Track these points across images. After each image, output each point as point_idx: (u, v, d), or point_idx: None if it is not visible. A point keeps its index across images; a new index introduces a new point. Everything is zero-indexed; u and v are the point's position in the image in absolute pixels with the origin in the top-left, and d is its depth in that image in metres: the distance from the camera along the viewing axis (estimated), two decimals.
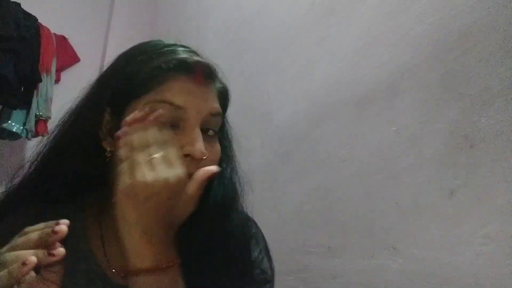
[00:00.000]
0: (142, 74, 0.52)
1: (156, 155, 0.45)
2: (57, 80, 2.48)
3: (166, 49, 0.56)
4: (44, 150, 0.59)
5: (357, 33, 1.05)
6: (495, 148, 0.68)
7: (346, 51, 1.08)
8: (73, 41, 2.59)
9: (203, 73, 0.54)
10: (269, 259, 0.62)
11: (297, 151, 1.21)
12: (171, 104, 0.50)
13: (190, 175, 0.47)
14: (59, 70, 2.49)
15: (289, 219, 1.17)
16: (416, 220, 0.80)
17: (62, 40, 2.51)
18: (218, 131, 0.56)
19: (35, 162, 0.59)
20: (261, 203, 1.28)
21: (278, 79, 1.36)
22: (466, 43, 0.76)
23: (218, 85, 0.58)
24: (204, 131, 0.52)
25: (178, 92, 0.51)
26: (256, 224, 0.66)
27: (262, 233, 0.66)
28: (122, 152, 0.46)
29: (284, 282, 1.07)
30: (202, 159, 0.49)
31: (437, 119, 0.79)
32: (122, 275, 0.54)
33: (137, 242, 0.43)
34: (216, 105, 0.55)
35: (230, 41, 1.73)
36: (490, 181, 0.68)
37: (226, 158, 0.61)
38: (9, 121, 2.15)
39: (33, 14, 2.25)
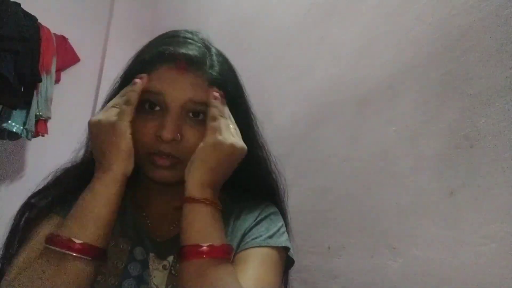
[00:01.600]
0: (136, 66, 0.61)
1: (232, 127, 0.58)
2: (57, 80, 2.48)
3: (164, 40, 0.63)
4: (86, 144, 0.68)
5: (357, 33, 1.05)
6: (495, 148, 0.68)
7: (346, 51, 1.08)
8: (73, 41, 2.59)
9: (184, 64, 0.58)
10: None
11: (297, 151, 1.21)
12: (151, 91, 0.57)
13: (166, 154, 0.56)
14: (59, 70, 2.49)
15: (289, 219, 1.17)
16: (416, 220, 0.80)
17: (62, 40, 2.51)
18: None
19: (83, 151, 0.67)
20: None
21: (278, 79, 1.36)
22: (466, 43, 0.76)
23: (209, 73, 0.61)
24: (195, 115, 0.59)
25: (156, 80, 0.58)
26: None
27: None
28: (215, 112, 0.57)
29: None
30: (169, 141, 0.55)
31: (437, 119, 0.79)
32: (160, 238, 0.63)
33: (203, 175, 0.55)
34: (198, 93, 0.58)
35: (230, 41, 1.73)
36: (490, 181, 0.68)
37: (248, 130, 0.68)
38: (9, 121, 2.15)
39: (33, 14, 2.25)
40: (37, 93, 2.23)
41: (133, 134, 0.57)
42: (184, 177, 0.57)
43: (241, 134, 0.61)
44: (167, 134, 0.55)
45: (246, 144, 0.59)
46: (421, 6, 0.87)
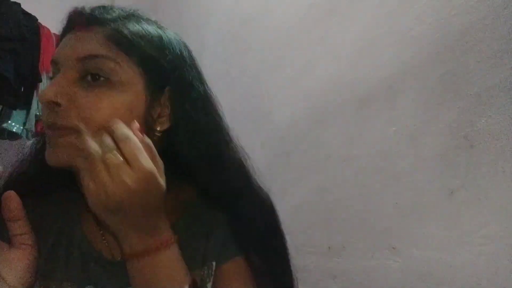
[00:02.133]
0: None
1: (110, 156, 0.41)
2: None
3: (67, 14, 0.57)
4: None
5: (357, 33, 1.05)
6: (495, 148, 0.68)
7: (346, 51, 1.08)
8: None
9: (83, 21, 0.50)
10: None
11: (297, 151, 1.21)
12: (52, 61, 0.50)
13: (53, 125, 0.45)
14: None
15: (289, 219, 1.17)
16: (416, 220, 0.80)
17: None
18: (116, 77, 0.48)
19: (33, 154, 0.56)
20: None
21: (278, 79, 1.36)
22: (466, 43, 0.76)
23: (110, 27, 0.50)
24: (94, 79, 0.47)
25: (57, 48, 0.51)
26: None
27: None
28: (79, 163, 0.42)
29: None
30: (54, 104, 0.45)
31: (437, 119, 0.79)
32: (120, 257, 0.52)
33: (123, 232, 0.43)
34: (89, 47, 0.48)
35: (230, 41, 1.73)
36: (490, 181, 0.68)
37: (182, 119, 0.53)
38: (9, 121, 2.15)
39: (33, 14, 2.25)
40: (37, 93, 2.23)
41: None
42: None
43: (178, 122, 0.50)
44: (42, 95, 0.44)
45: (184, 135, 0.50)
46: (421, 6, 0.87)
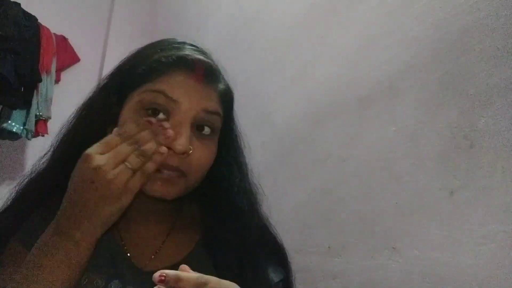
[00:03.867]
0: (143, 65, 0.55)
1: None
2: (57, 80, 2.48)
3: (173, 45, 0.58)
4: (54, 148, 0.61)
5: (357, 33, 1.05)
6: (495, 148, 0.68)
7: (346, 51, 1.08)
8: (73, 41, 2.59)
9: (203, 71, 0.54)
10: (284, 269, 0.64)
11: (297, 151, 1.21)
12: (165, 95, 0.51)
13: (173, 168, 0.51)
14: (59, 70, 2.49)
15: (289, 219, 1.17)
16: (416, 220, 0.80)
17: (62, 40, 2.52)
18: (217, 133, 0.57)
19: (45, 161, 0.61)
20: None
21: (278, 79, 1.37)
22: (466, 43, 0.76)
23: (220, 86, 0.57)
24: (199, 129, 0.54)
25: (173, 85, 0.52)
26: (272, 235, 0.68)
27: (279, 244, 0.68)
28: None
29: None
30: (182, 153, 0.50)
31: (437, 119, 0.79)
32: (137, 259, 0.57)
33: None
34: (212, 103, 0.54)
35: (230, 41, 1.73)
36: (490, 181, 0.68)
37: (234, 163, 0.63)
38: (9, 121, 2.15)
39: (33, 14, 2.25)
40: (37, 93, 2.23)
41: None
42: (180, 194, 0.53)
43: (229, 161, 0.61)
44: (181, 145, 0.49)
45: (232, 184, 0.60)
46: (421, 6, 0.87)
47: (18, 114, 2.19)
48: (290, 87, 1.30)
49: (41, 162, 0.62)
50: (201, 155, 0.53)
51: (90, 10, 2.74)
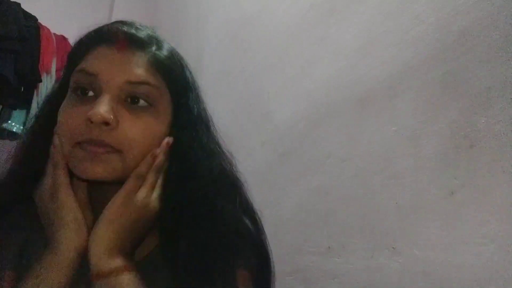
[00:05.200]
0: (72, 50, 0.56)
1: (156, 182, 0.51)
2: (57, 80, 2.48)
3: (102, 26, 0.56)
4: (20, 146, 0.59)
5: (357, 33, 1.05)
6: (495, 148, 0.68)
7: (346, 51, 1.08)
8: (73, 41, 2.58)
9: (124, 41, 0.52)
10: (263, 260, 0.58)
11: (297, 151, 1.21)
12: (86, 72, 0.50)
13: (99, 142, 0.48)
14: (59, 70, 2.49)
15: (289, 219, 1.17)
16: (416, 220, 0.80)
17: (62, 40, 2.51)
18: (159, 106, 0.52)
19: (12, 161, 0.59)
20: (261, 203, 1.28)
21: (278, 79, 1.36)
22: (466, 43, 0.76)
23: (151, 53, 0.53)
24: (133, 102, 0.50)
25: (92, 59, 0.51)
26: (250, 225, 0.59)
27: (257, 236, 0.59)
28: (141, 169, 0.51)
29: (284, 282, 1.07)
30: (105, 124, 0.47)
31: (437, 119, 0.79)
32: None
33: (110, 240, 0.47)
34: (138, 72, 0.50)
35: (230, 41, 1.73)
36: (490, 181, 0.68)
37: (197, 147, 0.56)
38: (9, 121, 2.15)
39: (33, 14, 2.25)
40: (37, 93, 2.23)
41: (61, 125, 0.50)
42: (118, 173, 0.49)
43: (183, 144, 0.53)
44: (96, 114, 0.46)
45: (188, 156, 0.52)
46: (421, 6, 0.87)
47: (18, 114, 2.19)
48: (290, 87, 1.29)
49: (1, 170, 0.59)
50: (132, 126, 0.49)
51: (90, 10, 2.74)
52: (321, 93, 1.15)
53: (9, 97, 2.06)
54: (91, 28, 0.56)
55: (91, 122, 0.47)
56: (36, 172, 0.54)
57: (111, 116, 0.47)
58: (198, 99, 0.60)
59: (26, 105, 2.20)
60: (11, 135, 2.19)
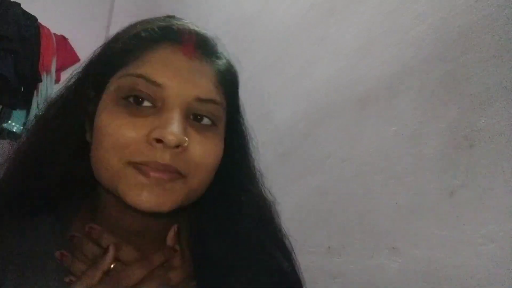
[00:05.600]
0: (119, 44, 0.44)
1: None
2: (57, 80, 2.48)
3: (157, 20, 0.46)
4: (21, 150, 0.49)
5: (357, 33, 1.05)
6: (495, 148, 0.68)
7: (346, 51, 1.08)
8: (73, 41, 2.59)
9: (194, 43, 0.43)
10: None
11: (297, 151, 1.21)
12: (147, 79, 0.40)
13: (166, 167, 0.39)
14: (59, 70, 2.49)
15: (289, 219, 1.17)
16: (416, 220, 0.80)
17: (62, 40, 2.52)
18: (221, 125, 0.45)
19: (10, 167, 0.48)
20: None
21: (278, 79, 1.36)
22: (466, 43, 0.76)
23: (219, 62, 0.46)
24: (196, 119, 0.43)
25: (157, 65, 0.41)
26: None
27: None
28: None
29: None
30: (176, 147, 0.38)
31: (437, 119, 0.79)
32: None
33: None
34: (208, 87, 0.43)
35: (230, 41, 1.72)
36: (490, 181, 0.68)
37: (241, 166, 0.52)
38: (9, 121, 2.15)
39: (33, 14, 2.25)
40: (37, 93, 2.23)
41: (108, 136, 0.40)
42: (180, 203, 0.40)
43: (234, 163, 0.48)
44: (171, 135, 0.37)
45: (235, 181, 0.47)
46: (421, 6, 0.87)
47: (18, 114, 2.19)
48: (290, 87, 1.29)
49: None
50: (202, 148, 0.41)
51: (90, 10, 2.74)
52: (321, 93, 1.15)
53: (9, 97, 2.06)
54: (142, 20, 0.47)
55: (158, 141, 0.38)
56: (39, 183, 0.45)
57: (186, 139, 0.39)
58: (244, 118, 0.54)
59: (26, 105, 2.20)
60: (11, 135, 2.19)
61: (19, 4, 2.16)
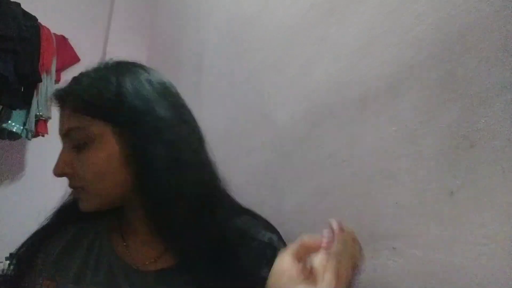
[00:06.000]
0: None
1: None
2: (57, 80, 2.49)
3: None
4: None
5: (357, 33, 1.05)
6: (495, 148, 0.68)
7: (346, 51, 1.08)
8: (73, 41, 2.59)
9: (58, 101, 0.64)
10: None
11: (297, 151, 1.21)
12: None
13: (73, 187, 0.66)
14: (59, 70, 2.49)
15: (289, 219, 1.17)
16: (416, 220, 0.80)
17: (62, 40, 2.52)
18: (94, 141, 0.61)
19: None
20: (261, 203, 1.28)
21: (278, 79, 1.36)
22: (466, 43, 0.76)
23: (73, 102, 0.63)
24: (75, 146, 0.62)
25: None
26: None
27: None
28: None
29: None
30: (60, 176, 0.60)
31: (437, 119, 0.79)
32: (140, 263, 0.63)
33: None
34: (66, 124, 0.62)
35: (230, 41, 1.73)
36: (490, 181, 0.68)
37: (162, 159, 0.62)
38: (9, 121, 2.15)
39: (33, 14, 2.25)
40: (37, 93, 2.23)
41: None
42: (98, 205, 0.61)
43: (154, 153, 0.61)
44: (54, 171, 0.60)
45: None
46: (421, 6, 0.87)
47: (18, 114, 2.19)
48: (290, 87, 1.29)
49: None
50: (83, 166, 0.60)
51: (90, 10, 2.74)
52: (321, 93, 1.15)
53: (9, 97, 2.06)
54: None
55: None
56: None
57: (64, 169, 0.60)
58: (152, 114, 0.63)
59: (26, 105, 2.20)
60: (11, 135, 2.19)
61: (19, 4, 2.16)
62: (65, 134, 0.62)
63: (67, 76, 2.58)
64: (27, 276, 0.62)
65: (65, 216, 0.69)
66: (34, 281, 0.61)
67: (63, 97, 0.64)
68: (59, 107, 0.64)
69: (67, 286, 0.56)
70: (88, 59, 2.65)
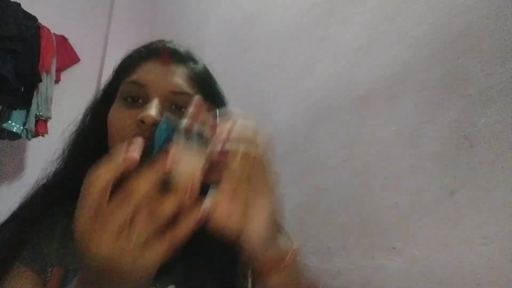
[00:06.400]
0: (122, 63, 0.64)
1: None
2: (57, 80, 2.48)
3: (149, 43, 0.65)
4: (64, 153, 0.66)
5: (357, 33, 1.05)
6: (495, 148, 0.68)
7: (346, 51, 1.08)
8: (73, 41, 2.59)
9: (168, 55, 0.60)
10: None
11: (297, 151, 1.21)
12: (136, 83, 0.56)
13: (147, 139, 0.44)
14: (59, 70, 2.49)
15: (289, 219, 1.17)
16: (416, 220, 0.80)
17: (62, 40, 2.52)
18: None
19: (56, 165, 0.65)
20: None
21: (278, 79, 1.37)
22: (466, 43, 0.76)
23: (190, 67, 0.61)
24: (177, 108, 0.56)
25: (143, 72, 0.58)
26: None
27: None
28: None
29: None
30: (151, 122, 0.50)
31: (437, 119, 0.79)
32: None
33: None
34: (179, 83, 0.57)
35: (230, 41, 1.73)
36: (490, 181, 0.68)
37: None
38: (9, 121, 2.15)
39: (33, 14, 2.25)
40: (37, 93, 2.23)
41: (113, 125, 0.55)
42: None
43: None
44: (148, 115, 0.50)
45: None
46: (421, 6, 0.87)
47: (18, 114, 2.19)
48: (290, 87, 1.29)
49: (48, 171, 0.65)
50: None
51: (90, 10, 2.74)
52: (321, 93, 1.15)
53: (9, 97, 2.06)
54: (139, 45, 0.65)
55: (142, 122, 0.50)
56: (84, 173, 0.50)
57: (160, 118, 0.50)
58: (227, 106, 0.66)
59: (26, 105, 2.20)
60: (11, 135, 2.19)
61: (19, 4, 2.16)
62: (173, 92, 0.56)
63: (67, 76, 2.58)
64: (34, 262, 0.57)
65: (50, 198, 0.62)
66: (44, 269, 0.56)
67: (183, 57, 0.62)
68: (164, 59, 0.59)
69: (75, 272, 0.55)
70: (88, 59, 2.65)
